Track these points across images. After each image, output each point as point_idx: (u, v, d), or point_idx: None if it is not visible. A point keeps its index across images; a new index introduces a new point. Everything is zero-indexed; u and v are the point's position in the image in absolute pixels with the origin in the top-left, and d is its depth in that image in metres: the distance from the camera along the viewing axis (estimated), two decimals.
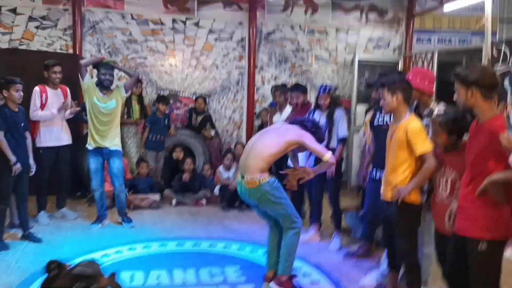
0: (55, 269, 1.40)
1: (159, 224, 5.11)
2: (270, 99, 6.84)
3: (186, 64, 6.96)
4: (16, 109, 4.27)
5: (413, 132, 2.89)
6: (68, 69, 5.28)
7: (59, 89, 5.07)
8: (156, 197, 5.84)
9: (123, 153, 6.01)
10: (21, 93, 4.25)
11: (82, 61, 4.93)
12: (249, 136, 6.79)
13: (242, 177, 3.30)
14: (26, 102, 4.56)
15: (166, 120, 6.35)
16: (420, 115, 3.25)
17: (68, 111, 5.07)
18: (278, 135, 3.38)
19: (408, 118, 2.98)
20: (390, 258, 3.34)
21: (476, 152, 2.39)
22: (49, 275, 1.40)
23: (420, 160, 2.93)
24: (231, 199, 5.91)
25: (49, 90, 4.96)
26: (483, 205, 2.31)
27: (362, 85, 7.06)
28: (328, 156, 3.31)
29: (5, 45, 6.24)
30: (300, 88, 5.05)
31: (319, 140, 3.44)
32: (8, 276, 3.51)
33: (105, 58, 5.38)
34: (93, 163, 4.77)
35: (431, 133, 2.99)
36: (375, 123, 3.93)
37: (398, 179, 2.99)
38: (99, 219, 4.91)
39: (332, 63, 7.35)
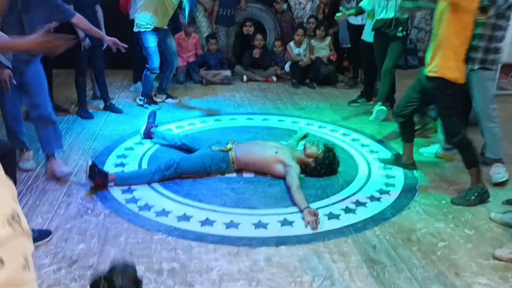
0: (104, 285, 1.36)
1: (230, 99, 5.22)
2: None
3: None
4: None
5: None
6: None
7: None
8: (227, 73, 5.89)
9: (195, 29, 5.99)
10: None
11: None
12: (322, 9, 6.34)
13: None
14: None
15: None
16: None
17: None
18: None
19: None
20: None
21: None
22: None
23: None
24: (302, 76, 5.80)
25: None
26: None
27: None
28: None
29: None
30: None
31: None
32: (93, 141, 3.86)
33: None
34: (154, 42, 4.60)
35: None
36: None
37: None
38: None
39: None
